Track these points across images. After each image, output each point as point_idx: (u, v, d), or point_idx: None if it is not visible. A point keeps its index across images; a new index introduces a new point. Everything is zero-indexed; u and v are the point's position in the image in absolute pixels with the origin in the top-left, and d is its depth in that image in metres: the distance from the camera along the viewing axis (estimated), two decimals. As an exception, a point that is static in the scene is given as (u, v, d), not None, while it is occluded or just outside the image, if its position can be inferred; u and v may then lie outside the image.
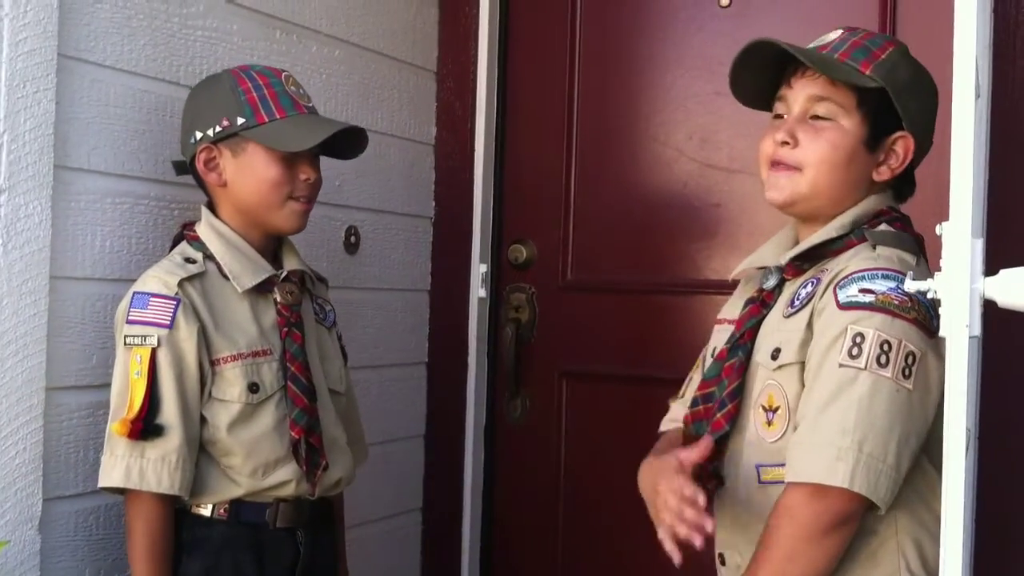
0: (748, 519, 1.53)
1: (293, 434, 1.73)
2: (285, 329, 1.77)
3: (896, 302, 1.41)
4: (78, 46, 1.76)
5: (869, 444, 1.37)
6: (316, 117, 1.82)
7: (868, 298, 1.42)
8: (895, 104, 1.53)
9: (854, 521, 1.42)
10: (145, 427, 1.63)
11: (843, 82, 1.53)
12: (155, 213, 1.90)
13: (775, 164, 1.58)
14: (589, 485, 2.53)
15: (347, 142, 1.85)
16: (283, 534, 1.77)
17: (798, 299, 1.52)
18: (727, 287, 2.34)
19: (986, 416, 1.98)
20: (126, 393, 1.65)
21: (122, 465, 1.63)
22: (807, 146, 1.54)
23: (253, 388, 1.72)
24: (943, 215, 1.16)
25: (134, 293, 1.69)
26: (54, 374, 1.71)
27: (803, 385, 1.47)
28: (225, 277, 1.75)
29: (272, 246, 1.84)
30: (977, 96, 1.15)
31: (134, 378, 1.64)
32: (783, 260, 1.58)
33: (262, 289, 1.78)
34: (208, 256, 1.76)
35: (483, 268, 2.61)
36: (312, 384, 1.78)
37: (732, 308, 1.69)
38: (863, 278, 1.44)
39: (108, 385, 1.74)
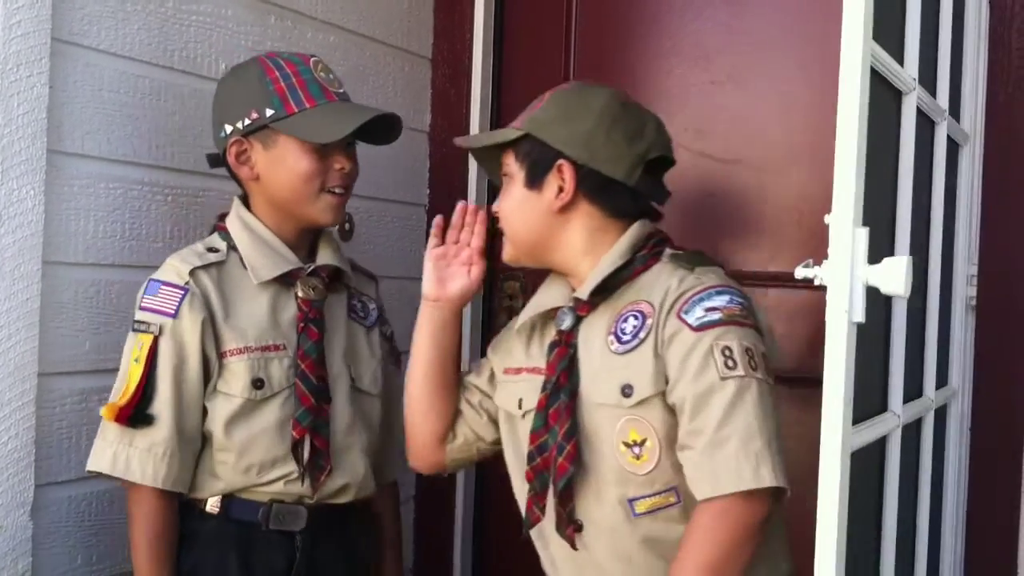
0: (629, 552, 1.55)
1: (294, 434, 1.68)
2: (302, 324, 1.71)
3: (738, 312, 1.50)
4: (72, 30, 1.75)
5: (773, 441, 1.44)
6: (347, 104, 1.75)
7: (716, 315, 1.49)
8: (541, 140, 1.60)
9: (769, 518, 1.46)
10: (134, 414, 1.61)
11: (501, 145, 1.66)
12: (148, 198, 1.90)
13: None
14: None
15: (382, 127, 1.77)
16: (277, 536, 1.71)
17: (624, 334, 1.55)
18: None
19: (980, 406, 1.99)
20: (125, 378, 1.64)
21: (110, 451, 1.62)
22: (500, 209, 1.67)
23: (257, 384, 1.67)
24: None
25: (149, 280, 1.67)
26: (46, 360, 1.71)
27: (671, 412, 1.50)
28: (246, 268, 1.71)
29: (308, 239, 1.79)
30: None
31: (132, 364, 1.63)
32: (583, 296, 1.59)
33: (285, 283, 1.73)
34: (232, 247, 1.72)
35: (477, 256, 2.60)
36: (325, 384, 1.73)
37: (520, 356, 1.70)
38: (702, 299, 1.51)
39: (101, 371, 1.75)
